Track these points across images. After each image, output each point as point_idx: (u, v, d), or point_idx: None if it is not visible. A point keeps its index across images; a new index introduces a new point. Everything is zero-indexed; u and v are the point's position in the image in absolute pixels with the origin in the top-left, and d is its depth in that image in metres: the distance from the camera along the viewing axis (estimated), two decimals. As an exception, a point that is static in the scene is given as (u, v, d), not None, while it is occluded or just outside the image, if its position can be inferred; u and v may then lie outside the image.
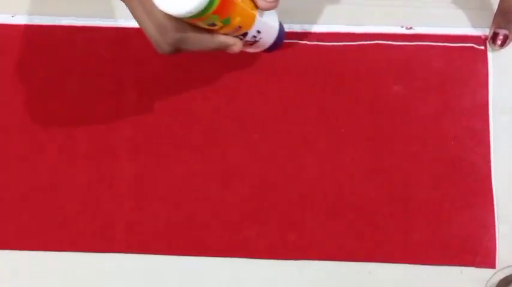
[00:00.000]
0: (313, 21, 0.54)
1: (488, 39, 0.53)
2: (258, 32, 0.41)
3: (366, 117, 0.52)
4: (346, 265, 0.50)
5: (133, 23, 0.52)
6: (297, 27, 0.54)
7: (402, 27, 0.54)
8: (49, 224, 0.50)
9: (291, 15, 0.54)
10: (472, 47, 0.53)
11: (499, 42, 0.52)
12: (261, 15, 0.40)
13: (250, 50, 0.44)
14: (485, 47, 0.53)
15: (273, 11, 0.42)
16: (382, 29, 0.53)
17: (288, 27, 0.53)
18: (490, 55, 0.53)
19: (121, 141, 0.52)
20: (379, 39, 0.53)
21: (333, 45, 0.53)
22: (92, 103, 0.52)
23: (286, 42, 0.53)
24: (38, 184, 0.51)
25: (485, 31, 0.53)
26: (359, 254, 0.50)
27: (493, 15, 0.52)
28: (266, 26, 0.42)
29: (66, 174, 0.51)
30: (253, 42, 0.42)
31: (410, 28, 0.54)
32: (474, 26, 0.54)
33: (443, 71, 0.53)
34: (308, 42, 0.53)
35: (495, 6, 0.52)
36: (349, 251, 0.50)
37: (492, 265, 0.50)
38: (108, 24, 0.54)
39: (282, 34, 0.46)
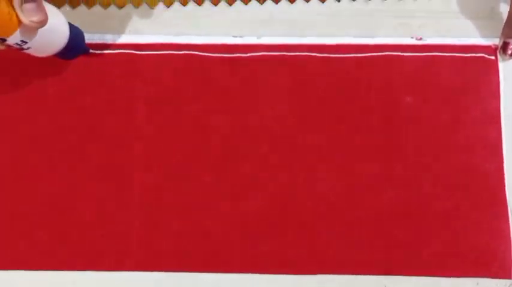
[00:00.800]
0: (324, 34, 0.54)
1: (499, 49, 0.53)
2: (23, 41, 0.44)
3: (378, 128, 0.52)
4: (362, 278, 0.50)
5: (144, 39, 0.53)
6: (307, 40, 0.54)
7: (412, 38, 0.54)
8: (60, 243, 0.50)
9: (302, 27, 0.54)
10: (483, 57, 0.53)
11: (509, 52, 0.52)
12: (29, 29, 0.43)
13: (33, 53, 0.47)
14: (496, 56, 0.53)
15: (56, 24, 0.46)
16: (392, 41, 0.53)
17: (297, 40, 0.53)
18: (501, 65, 0.53)
19: (132, 158, 0.51)
20: (389, 51, 0.53)
21: (344, 57, 0.53)
22: (103, 120, 0.52)
23: (298, 55, 0.53)
24: (48, 202, 0.51)
25: (495, 41, 0.53)
26: (375, 267, 0.50)
27: (503, 25, 0.52)
28: (39, 36, 0.44)
29: (76, 192, 0.51)
30: (21, 48, 0.45)
31: (421, 39, 0.54)
32: (484, 36, 0.54)
33: (455, 81, 0.53)
34: (319, 55, 0.53)
35: (505, 16, 0.52)
36: (364, 264, 0.50)
37: (508, 276, 0.50)
38: (119, 41, 0.53)
39: (76, 44, 0.50)
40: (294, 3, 0.55)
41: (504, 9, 0.54)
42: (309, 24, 0.54)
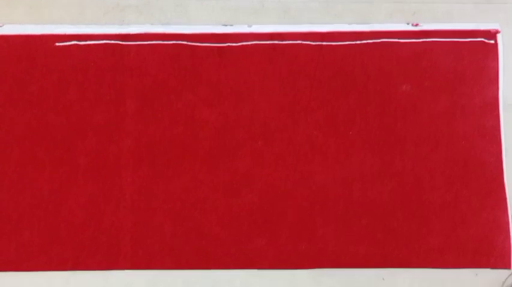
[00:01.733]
0: (318, 21, 0.52)
1: None
2: None
3: (374, 118, 0.50)
4: (360, 272, 0.49)
5: (132, 29, 0.51)
6: (300, 28, 0.52)
7: (408, 24, 0.52)
8: (51, 243, 0.49)
9: (295, 14, 0.52)
10: (482, 41, 0.51)
11: None
12: None
13: None
14: (496, 40, 0.52)
15: None
16: (388, 27, 0.52)
17: (289, 28, 0.52)
18: (501, 48, 0.52)
19: (122, 153, 0.50)
20: (385, 37, 0.51)
21: (339, 45, 0.51)
22: (91, 114, 0.50)
23: (291, 44, 0.51)
24: (37, 201, 0.49)
25: (495, 25, 0.52)
26: (373, 260, 0.49)
27: (502, 8, 0.51)
28: None
29: (66, 189, 0.49)
30: None
31: (417, 25, 0.52)
32: (483, 20, 0.52)
33: (453, 67, 0.51)
34: (313, 43, 0.51)
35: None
36: (362, 257, 0.49)
37: (507, 265, 0.49)
38: (106, 31, 0.51)
39: None
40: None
41: None
42: (301, 12, 0.52)
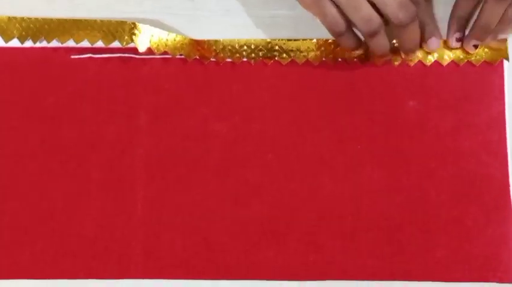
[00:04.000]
0: (325, 36, 0.53)
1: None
2: None
3: (381, 134, 0.51)
4: (368, 285, 0.50)
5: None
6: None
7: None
8: (64, 252, 0.50)
9: (304, 29, 0.53)
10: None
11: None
12: None
13: None
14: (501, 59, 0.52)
15: None
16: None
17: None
18: (506, 65, 0.52)
19: (134, 166, 0.51)
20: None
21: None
22: (103, 128, 0.51)
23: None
24: (50, 211, 0.50)
25: (501, 43, 0.53)
26: (380, 273, 0.49)
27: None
28: None
29: (79, 201, 0.50)
30: None
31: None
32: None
33: (458, 83, 0.52)
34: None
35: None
36: (369, 270, 0.49)
37: (513, 280, 0.50)
38: (119, 45, 0.52)
39: None
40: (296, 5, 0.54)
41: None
42: (310, 27, 0.53)
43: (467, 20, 0.52)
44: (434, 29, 0.51)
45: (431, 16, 0.51)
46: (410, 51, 0.50)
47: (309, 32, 0.53)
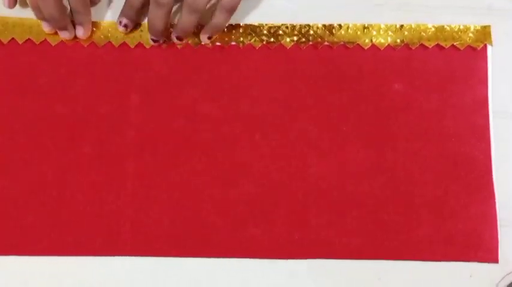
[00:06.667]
0: (311, 20, 0.54)
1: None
2: None
3: (367, 115, 0.52)
4: (354, 263, 0.50)
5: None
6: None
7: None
8: (53, 228, 0.50)
9: (292, 13, 0.54)
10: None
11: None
12: None
13: None
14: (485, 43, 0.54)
15: None
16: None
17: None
18: (490, 50, 0.54)
19: (125, 144, 0.52)
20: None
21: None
22: (95, 107, 0.52)
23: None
24: (41, 187, 0.51)
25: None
26: (365, 251, 0.50)
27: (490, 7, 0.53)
28: None
29: (69, 177, 0.51)
30: None
31: (410, 26, 0.54)
32: (473, 21, 0.54)
33: (443, 66, 0.53)
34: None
35: (502, 12, 0.53)
36: (354, 248, 0.50)
37: (495, 260, 0.50)
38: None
39: None
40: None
41: (501, 6, 0.54)
42: (300, 10, 0.54)
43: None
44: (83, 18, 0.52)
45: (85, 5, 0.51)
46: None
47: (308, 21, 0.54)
